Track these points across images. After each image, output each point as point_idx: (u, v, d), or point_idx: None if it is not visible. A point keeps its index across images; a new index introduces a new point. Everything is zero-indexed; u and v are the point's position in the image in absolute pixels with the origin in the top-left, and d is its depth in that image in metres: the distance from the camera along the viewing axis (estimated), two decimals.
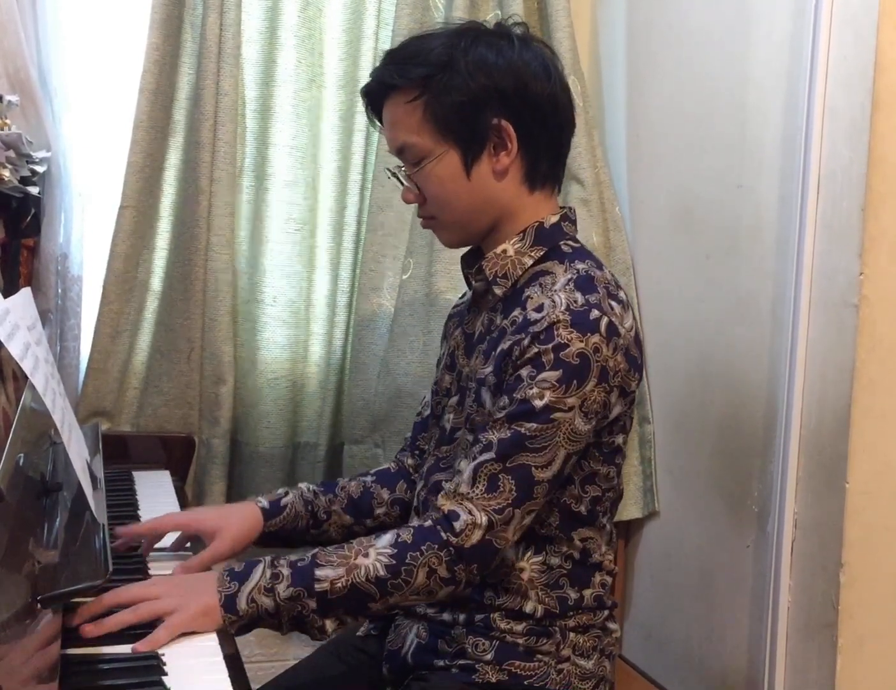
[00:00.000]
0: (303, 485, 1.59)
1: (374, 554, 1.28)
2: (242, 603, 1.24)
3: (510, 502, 1.30)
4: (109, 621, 1.17)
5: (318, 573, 1.27)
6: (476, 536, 1.29)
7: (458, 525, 1.29)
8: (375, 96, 1.46)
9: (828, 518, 1.70)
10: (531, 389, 1.31)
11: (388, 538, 1.31)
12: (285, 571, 1.27)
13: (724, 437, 1.95)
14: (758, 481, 1.86)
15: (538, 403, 1.30)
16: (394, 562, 1.28)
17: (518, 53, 1.40)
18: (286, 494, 1.55)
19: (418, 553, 1.28)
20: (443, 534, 1.29)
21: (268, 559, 1.29)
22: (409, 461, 1.65)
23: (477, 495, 1.30)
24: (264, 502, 1.53)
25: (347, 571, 1.27)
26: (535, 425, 1.30)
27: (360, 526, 1.59)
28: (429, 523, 1.31)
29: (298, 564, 1.28)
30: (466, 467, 1.33)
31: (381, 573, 1.27)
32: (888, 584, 1.71)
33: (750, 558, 1.88)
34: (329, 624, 1.28)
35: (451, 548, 1.29)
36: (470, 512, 1.29)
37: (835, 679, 1.69)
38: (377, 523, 1.60)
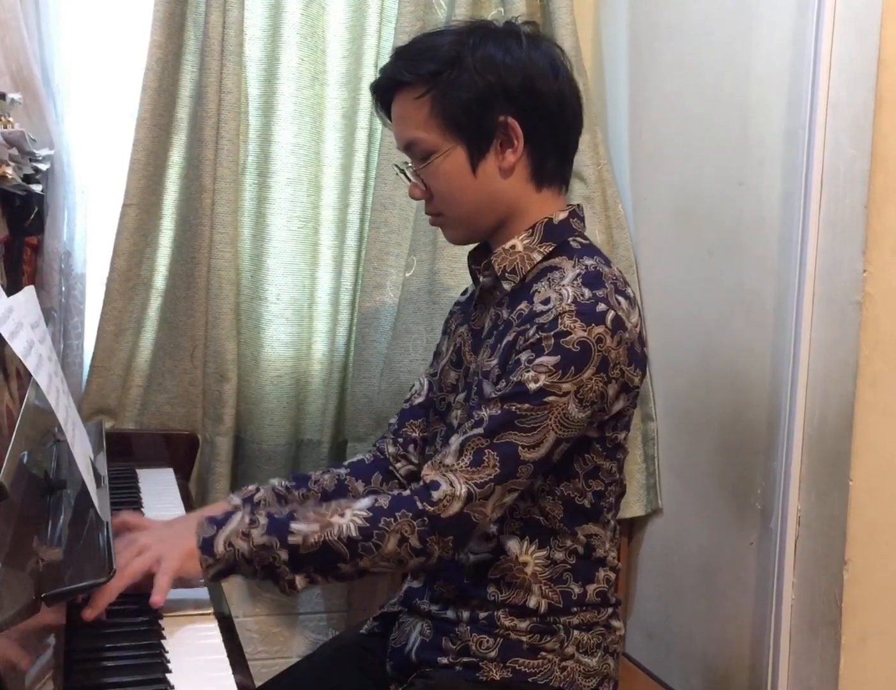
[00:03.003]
0: (274, 481, 1.58)
1: (350, 515, 1.29)
2: (220, 546, 1.26)
3: (492, 477, 1.30)
4: (101, 597, 1.18)
5: (293, 526, 1.28)
6: (454, 507, 1.29)
7: (436, 495, 1.29)
8: (384, 92, 1.47)
9: (831, 515, 1.70)
10: (528, 372, 1.31)
11: (366, 501, 1.32)
12: (262, 520, 1.29)
13: (727, 434, 1.95)
14: (761, 478, 1.86)
15: (532, 386, 1.31)
16: (367, 525, 1.28)
17: (526, 52, 1.40)
18: (257, 490, 1.54)
19: (391, 520, 1.29)
20: (419, 503, 1.29)
21: (248, 506, 1.32)
22: (391, 449, 1.64)
23: (461, 467, 1.31)
24: (237, 499, 1.52)
25: (321, 528, 1.28)
26: (526, 405, 1.31)
27: None
28: (407, 492, 1.32)
29: (275, 515, 1.30)
30: (455, 440, 1.34)
31: (353, 534, 1.28)
32: (892, 581, 1.71)
33: (753, 555, 1.88)
34: (299, 580, 1.29)
35: (425, 517, 1.29)
36: (451, 484, 1.30)
37: (838, 675, 1.69)
38: None
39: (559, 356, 1.31)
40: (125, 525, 1.38)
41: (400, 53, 1.48)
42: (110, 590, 1.19)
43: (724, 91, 1.95)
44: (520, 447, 1.31)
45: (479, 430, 1.32)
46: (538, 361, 1.31)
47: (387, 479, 1.62)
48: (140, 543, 1.27)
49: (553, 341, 1.31)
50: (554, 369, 1.31)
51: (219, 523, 1.29)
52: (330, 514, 1.30)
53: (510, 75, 1.39)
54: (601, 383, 1.34)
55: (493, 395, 1.33)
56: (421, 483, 1.32)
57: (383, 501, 1.31)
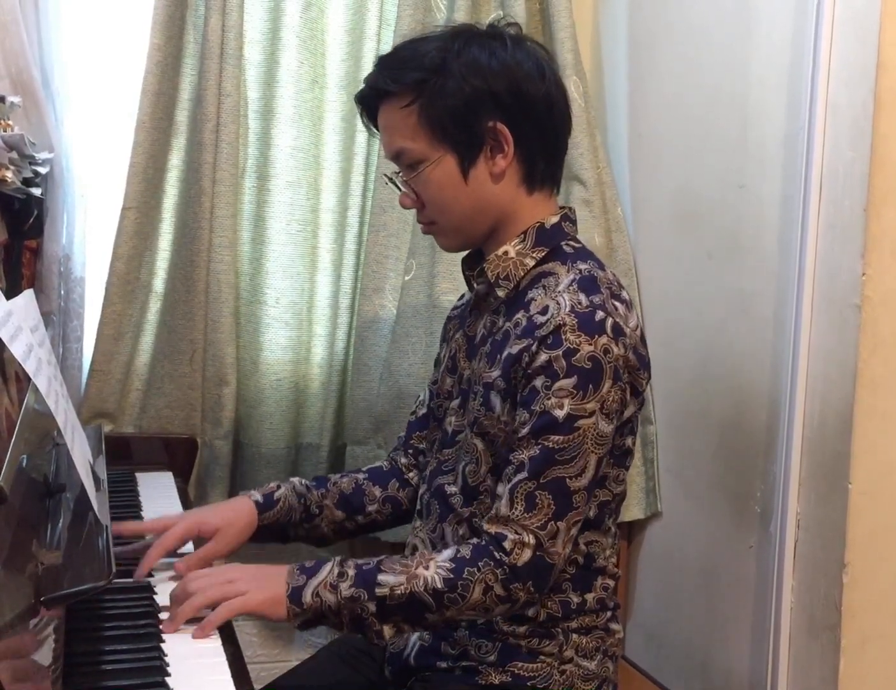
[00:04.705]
0: (294, 479, 1.59)
1: (434, 567, 1.30)
2: (307, 597, 1.27)
3: (550, 516, 1.30)
4: (183, 612, 1.22)
5: (381, 578, 1.29)
6: (525, 555, 1.30)
7: (507, 545, 1.30)
8: (370, 102, 1.45)
9: (830, 519, 1.70)
10: (549, 399, 1.30)
11: (448, 552, 1.32)
12: (351, 571, 1.29)
13: (727, 437, 1.95)
14: (760, 481, 1.86)
15: (559, 413, 1.30)
16: (451, 576, 1.29)
17: (511, 54, 1.39)
18: (278, 487, 1.55)
19: (475, 569, 1.29)
20: (496, 553, 1.30)
21: (337, 558, 1.32)
22: (402, 460, 1.65)
23: (517, 515, 1.31)
24: (257, 495, 1.53)
25: (408, 579, 1.28)
26: (560, 437, 1.30)
27: (351, 522, 1.59)
28: (484, 542, 1.32)
29: (363, 567, 1.30)
30: (503, 489, 1.33)
31: (439, 585, 1.28)
32: (891, 584, 1.71)
33: (753, 558, 1.88)
34: (387, 630, 1.30)
35: (505, 567, 1.29)
36: (517, 532, 1.30)
37: (838, 679, 1.69)
38: (368, 520, 1.61)
39: (575, 377, 1.30)
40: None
41: (384, 62, 1.46)
42: (193, 607, 1.23)
43: (724, 93, 1.95)
44: (567, 479, 1.31)
45: (524, 474, 1.31)
46: (556, 385, 1.30)
47: (403, 486, 1.63)
48: (232, 573, 1.29)
49: (564, 361, 1.30)
50: (574, 391, 1.30)
51: (308, 572, 1.30)
52: (415, 566, 1.30)
53: (496, 79, 1.37)
54: (619, 392, 1.34)
55: (523, 432, 1.32)
56: (489, 536, 1.32)
57: (465, 551, 1.31)
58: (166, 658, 1.13)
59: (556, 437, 1.30)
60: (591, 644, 1.43)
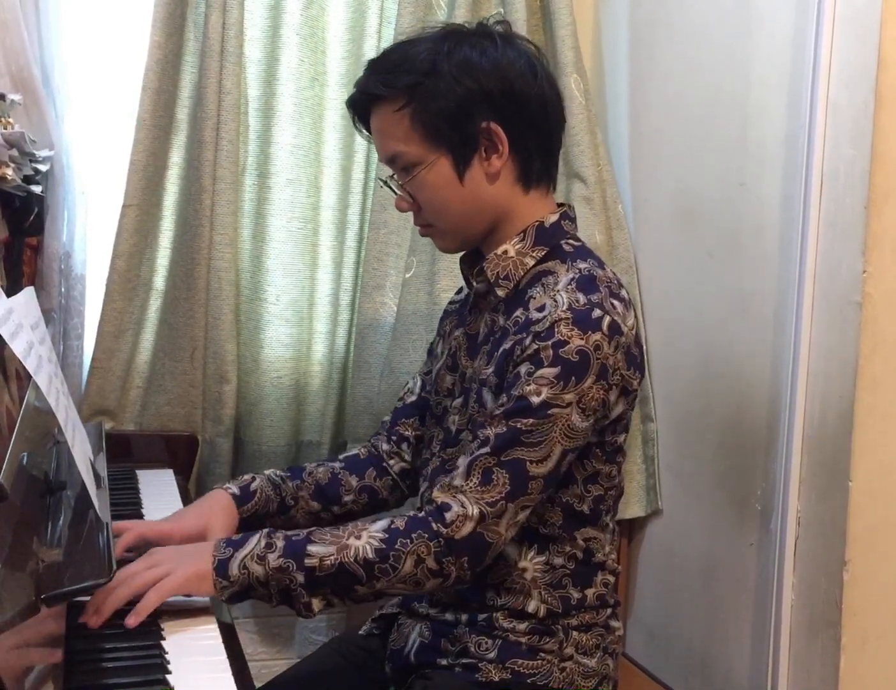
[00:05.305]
0: (269, 471, 1.58)
1: (366, 537, 1.29)
2: (234, 569, 1.25)
3: (503, 495, 1.30)
4: (107, 605, 1.18)
5: (310, 548, 1.28)
6: (466, 528, 1.29)
7: (448, 516, 1.29)
8: (362, 106, 1.45)
9: (831, 517, 1.70)
10: (529, 385, 1.31)
11: (382, 523, 1.31)
12: (279, 542, 1.28)
13: (728, 435, 1.95)
14: (761, 479, 1.86)
15: (535, 399, 1.30)
16: (383, 546, 1.28)
17: (502, 53, 1.39)
18: (253, 479, 1.54)
19: (408, 541, 1.28)
20: (434, 525, 1.29)
21: (265, 530, 1.31)
22: (384, 446, 1.64)
23: (470, 487, 1.30)
24: (234, 488, 1.52)
25: (338, 550, 1.28)
26: (531, 420, 1.30)
27: (327, 513, 1.59)
28: (422, 513, 1.32)
29: (293, 537, 1.29)
30: (463, 461, 1.33)
31: (370, 556, 1.27)
32: (891, 582, 1.71)
33: (753, 556, 1.88)
34: (316, 603, 1.29)
35: (440, 539, 1.29)
36: (462, 504, 1.30)
37: (838, 677, 1.69)
38: (344, 510, 1.60)
39: (559, 367, 1.30)
40: (143, 538, 1.38)
41: (374, 66, 1.45)
42: (118, 598, 1.19)
43: (724, 92, 1.95)
44: (528, 463, 1.30)
45: (486, 449, 1.31)
46: (539, 373, 1.31)
47: (380, 475, 1.62)
48: (155, 557, 1.27)
49: (552, 351, 1.30)
50: (555, 381, 1.30)
51: (235, 545, 1.28)
52: (346, 536, 1.29)
53: (488, 79, 1.37)
54: (602, 390, 1.33)
55: (497, 412, 1.33)
56: (433, 506, 1.32)
57: (399, 522, 1.31)
58: (167, 656, 1.13)
59: (527, 420, 1.30)
60: (592, 641, 1.44)
